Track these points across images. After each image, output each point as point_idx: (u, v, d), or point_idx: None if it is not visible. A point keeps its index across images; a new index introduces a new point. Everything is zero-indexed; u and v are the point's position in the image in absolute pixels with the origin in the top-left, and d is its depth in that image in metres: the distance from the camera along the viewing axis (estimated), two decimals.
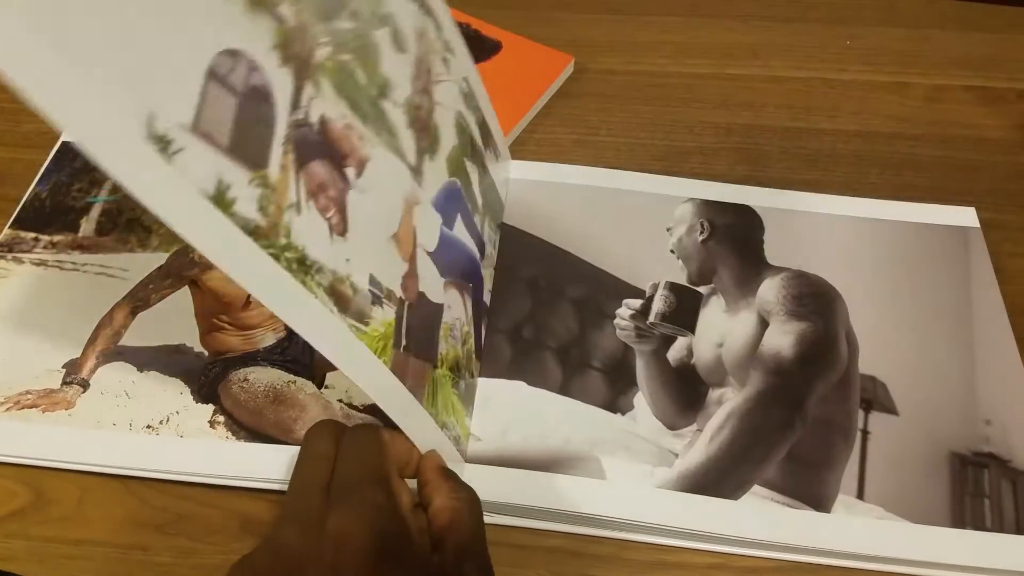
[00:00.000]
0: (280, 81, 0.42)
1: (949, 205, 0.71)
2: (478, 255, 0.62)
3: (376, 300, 0.46)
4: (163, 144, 0.34)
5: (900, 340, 0.62)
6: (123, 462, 0.55)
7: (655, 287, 0.64)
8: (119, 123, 0.32)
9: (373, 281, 0.47)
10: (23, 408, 0.58)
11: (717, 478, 0.54)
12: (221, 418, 0.58)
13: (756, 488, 0.54)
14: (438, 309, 0.53)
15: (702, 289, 0.65)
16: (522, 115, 0.79)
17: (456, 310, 0.56)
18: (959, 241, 0.68)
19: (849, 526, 0.52)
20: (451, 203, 0.57)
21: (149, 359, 0.61)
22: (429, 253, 0.53)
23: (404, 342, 0.48)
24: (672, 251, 0.67)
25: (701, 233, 0.67)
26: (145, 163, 0.33)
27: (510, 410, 0.58)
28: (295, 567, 0.36)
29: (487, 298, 0.63)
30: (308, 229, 0.41)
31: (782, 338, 0.60)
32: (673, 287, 0.64)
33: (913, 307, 0.64)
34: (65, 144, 0.74)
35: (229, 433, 0.57)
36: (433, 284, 0.53)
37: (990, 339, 0.62)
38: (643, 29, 0.89)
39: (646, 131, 0.79)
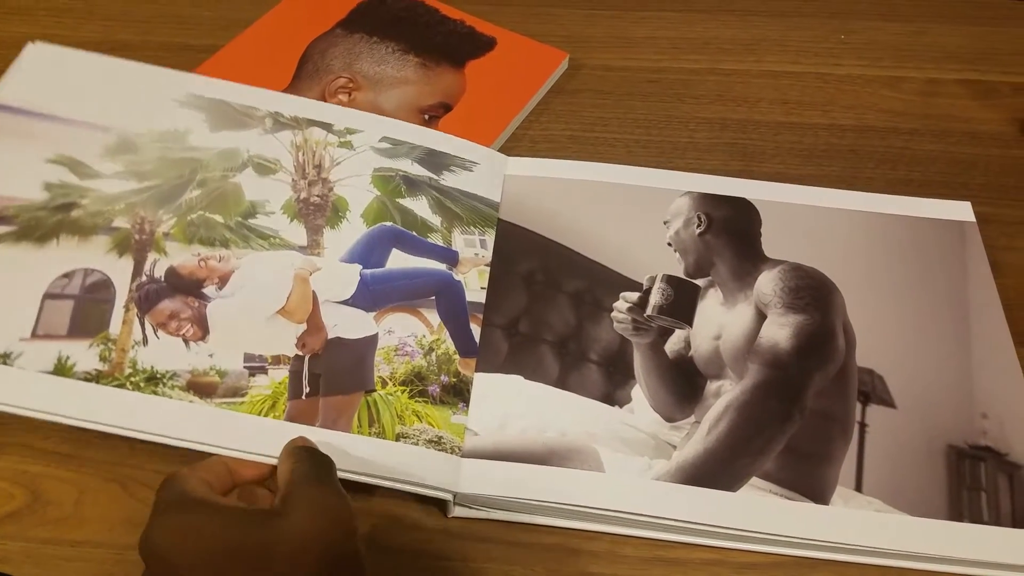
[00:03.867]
0: (119, 268, 0.58)
1: (945, 199, 0.71)
2: (444, 267, 0.64)
3: (257, 371, 0.56)
4: (4, 358, 0.53)
5: (897, 333, 0.62)
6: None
7: (652, 280, 0.64)
8: None
9: (249, 357, 0.57)
10: None
11: (715, 470, 0.54)
12: None
13: (754, 480, 0.54)
14: (367, 341, 0.60)
15: (699, 282, 0.65)
16: (517, 112, 0.79)
17: (406, 329, 0.61)
18: (955, 235, 0.68)
19: (848, 518, 0.52)
20: (379, 246, 0.65)
21: None
22: (345, 301, 0.61)
23: (308, 389, 0.56)
24: (669, 244, 0.67)
25: (698, 226, 0.67)
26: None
27: (507, 404, 0.58)
28: None
29: (478, 297, 0.63)
30: (156, 352, 0.56)
31: (780, 330, 0.60)
32: (670, 280, 0.64)
33: (910, 300, 0.64)
34: None
35: None
36: (355, 323, 0.60)
37: (986, 333, 0.62)
38: (638, 25, 0.89)
39: (641, 127, 0.79)
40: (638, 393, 0.60)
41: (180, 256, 0.60)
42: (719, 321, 0.62)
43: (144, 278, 0.58)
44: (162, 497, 0.43)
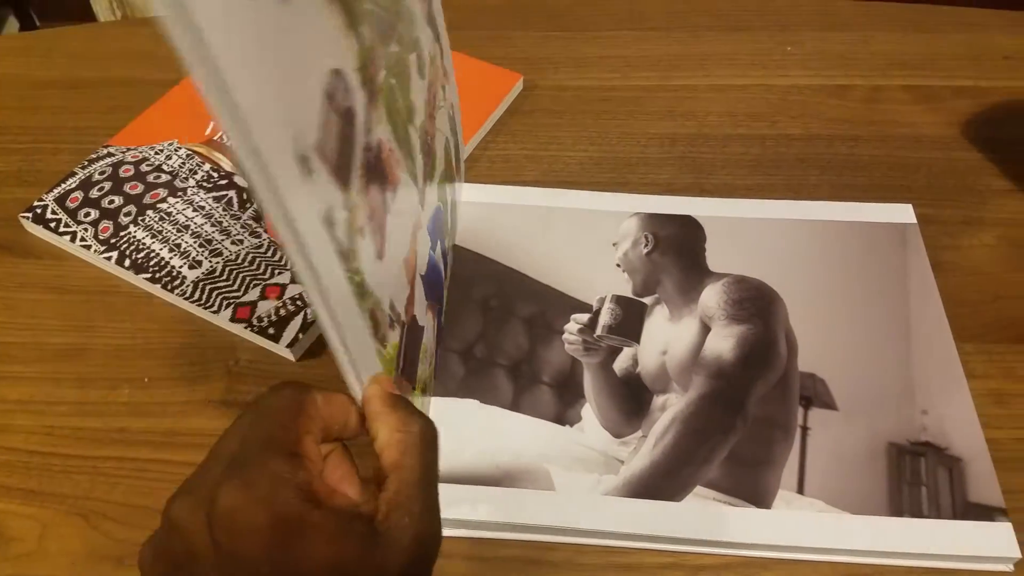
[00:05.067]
0: (360, 100, 0.39)
1: (887, 203, 0.74)
2: (444, 277, 0.64)
3: (392, 323, 0.44)
4: (305, 165, 0.32)
5: (839, 337, 0.64)
6: None
7: (602, 301, 0.66)
8: (280, 141, 0.30)
9: (391, 305, 0.44)
10: None
11: (660, 482, 0.57)
12: None
13: (698, 489, 0.56)
14: (422, 331, 0.53)
15: (647, 300, 0.67)
16: (474, 133, 0.81)
17: (429, 331, 0.58)
18: (896, 237, 0.70)
19: (788, 520, 0.55)
20: (437, 227, 0.58)
21: None
22: (421, 276, 0.53)
23: (402, 365, 0.47)
24: (618, 265, 0.69)
25: (645, 246, 0.69)
26: (294, 184, 0.31)
27: (463, 428, 0.60)
28: (185, 548, 0.33)
29: (442, 318, 0.65)
30: (366, 253, 0.40)
31: (723, 342, 0.62)
32: (619, 300, 0.66)
33: (851, 304, 0.66)
34: None
35: None
36: (420, 307, 0.53)
37: (926, 331, 0.64)
38: (590, 44, 0.91)
39: (595, 144, 0.82)
40: (588, 412, 0.62)
41: (381, 130, 0.43)
42: (665, 337, 0.65)
43: (371, 139, 0.41)
44: (268, 431, 0.34)
